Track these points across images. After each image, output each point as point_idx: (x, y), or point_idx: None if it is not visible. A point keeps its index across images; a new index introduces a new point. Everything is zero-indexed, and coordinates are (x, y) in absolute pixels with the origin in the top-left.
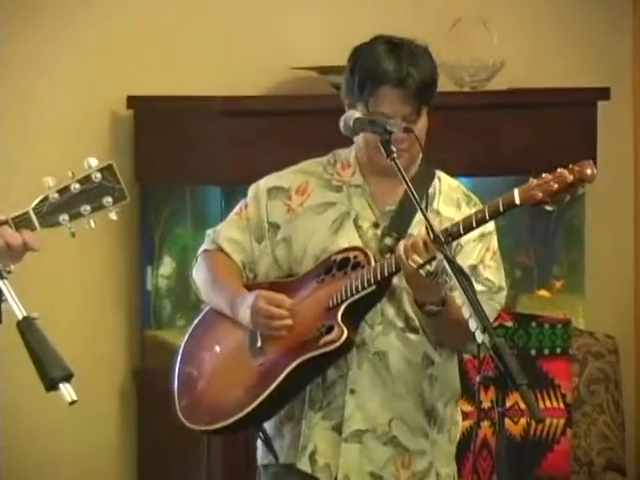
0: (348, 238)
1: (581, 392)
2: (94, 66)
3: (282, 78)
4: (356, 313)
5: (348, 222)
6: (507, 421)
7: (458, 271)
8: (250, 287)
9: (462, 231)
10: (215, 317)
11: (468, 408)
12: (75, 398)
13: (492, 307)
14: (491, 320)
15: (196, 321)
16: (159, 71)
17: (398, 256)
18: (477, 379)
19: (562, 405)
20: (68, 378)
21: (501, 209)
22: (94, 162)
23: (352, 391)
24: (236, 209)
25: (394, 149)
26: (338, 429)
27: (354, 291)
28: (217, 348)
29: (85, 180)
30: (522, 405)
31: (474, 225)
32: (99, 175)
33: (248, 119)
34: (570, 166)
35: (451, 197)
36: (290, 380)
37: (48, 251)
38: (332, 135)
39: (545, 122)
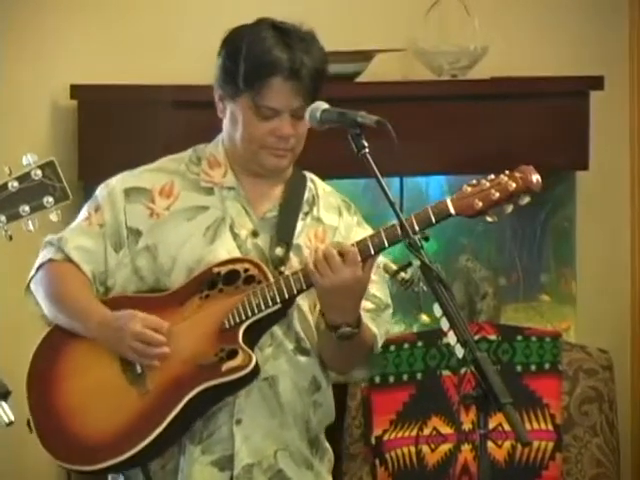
0: (226, 247)
1: (572, 412)
2: (34, 51)
3: None
4: (254, 334)
5: (224, 229)
6: (490, 444)
7: (436, 279)
8: (107, 303)
9: (373, 250)
10: (66, 337)
11: (447, 430)
12: (12, 419)
13: (383, 327)
14: (380, 342)
15: (40, 343)
16: (105, 57)
17: (310, 271)
18: (457, 398)
19: (551, 427)
20: (5, 396)
21: (433, 220)
22: (33, 158)
23: (238, 421)
24: (83, 214)
25: (365, 144)
26: (221, 464)
27: (255, 310)
28: (79, 374)
29: (24, 178)
30: (507, 427)
31: (400, 238)
32: (39, 172)
33: (202, 110)
34: (508, 172)
35: (330, 203)
36: (186, 412)
37: None
38: None
39: (532, 114)
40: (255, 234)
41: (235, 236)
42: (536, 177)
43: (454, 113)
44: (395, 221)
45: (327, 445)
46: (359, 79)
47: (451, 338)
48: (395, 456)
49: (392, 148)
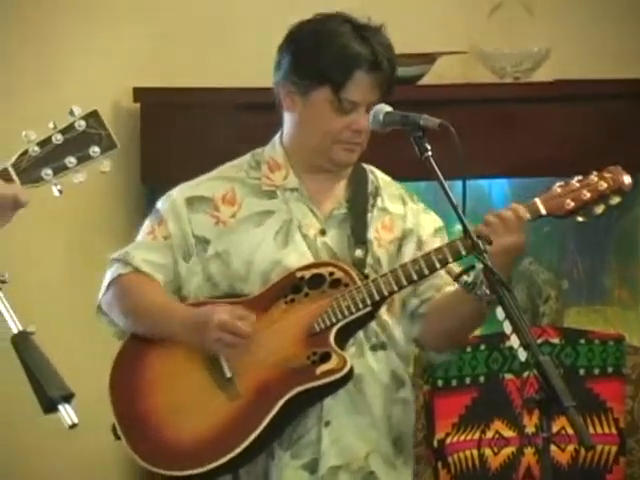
0: (298, 249)
1: (635, 416)
2: (97, 54)
3: None
4: (343, 337)
5: (293, 231)
6: (553, 448)
7: (499, 282)
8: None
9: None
10: (145, 347)
11: (510, 433)
12: (76, 421)
13: None
14: None
15: (118, 355)
16: (167, 60)
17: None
18: (520, 401)
19: (614, 430)
20: (68, 399)
21: (529, 218)
22: (77, 110)
23: (327, 423)
24: (146, 229)
25: (428, 147)
26: (310, 467)
27: (345, 313)
28: (165, 381)
29: (68, 130)
30: (570, 430)
31: (543, 214)
32: (83, 123)
33: (262, 112)
34: (596, 173)
35: (393, 193)
36: (280, 416)
37: (47, 264)
38: None
39: (595, 116)
40: (323, 232)
41: (304, 237)
42: (627, 177)
43: (517, 116)
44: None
45: (411, 450)
46: (422, 82)
47: (514, 341)
48: (457, 459)
49: (455, 151)
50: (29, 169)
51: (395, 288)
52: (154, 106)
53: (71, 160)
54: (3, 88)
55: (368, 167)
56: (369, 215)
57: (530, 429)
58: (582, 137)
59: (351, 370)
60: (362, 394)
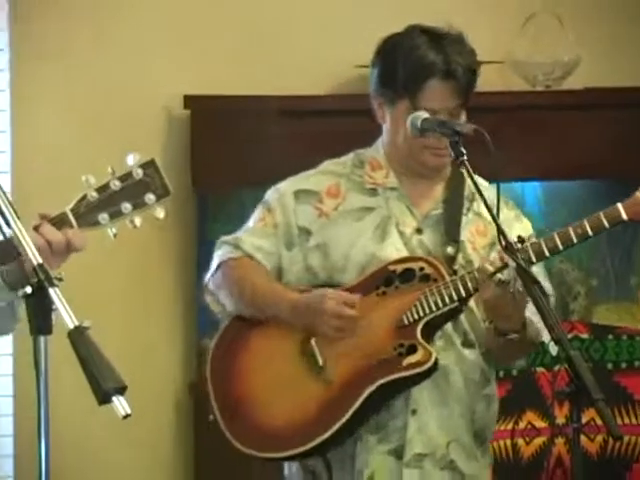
0: (395, 245)
1: None
2: (149, 63)
3: (345, 76)
4: (430, 331)
5: (391, 228)
6: (583, 438)
7: (531, 280)
8: None
9: (561, 247)
10: (245, 330)
11: (542, 424)
12: (129, 412)
13: None
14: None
15: (219, 337)
16: (217, 68)
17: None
18: (551, 393)
19: None
20: (122, 391)
21: (606, 225)
22: (135, 158)
23: (414, 411)
24: (257, 215)
25: (464, 151)
26: (396, 453)
27: (433, 307)
28: (262, 366)
29: (126, 177)
30: (599, 421)
31: (574, 241)
32: (140, 171)
33: (309, 119)
34: None
35: (489, 198)
36: (366, 404)
37: (103, 260)
38: None
39: (623, 123)
40: (419, 231)
41: (401, 234)
42: None
43: (549, 122)
44: (556, 231)
45: (490, 438)
46: None
47: (545, 336)
48: (492, 449)
49: (489, 155)
50: (87, 213)
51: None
52: (204, 113)
53: (127, 206)
54: (62, 96)
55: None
56: (464, 218)
57: (561, 420)
58: (611, 142)
59: (435, 363)
60: (449, 386)
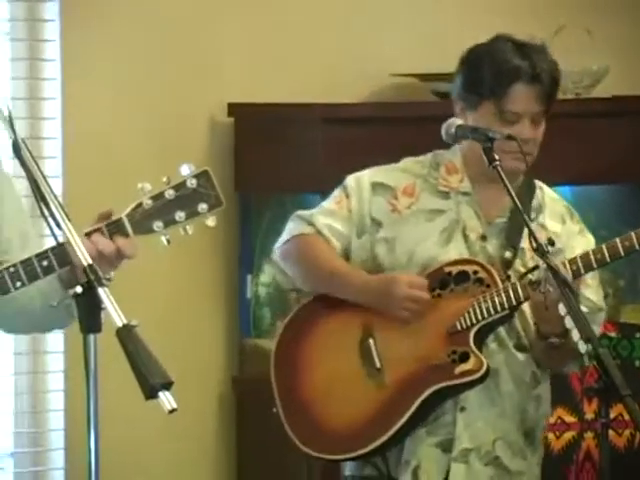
0: (458, 249)
1: None
2: (194, 71)
3: (382, 85)
4: (482, 336)
5: (457, 232)
6: (611, 432)
7: (562, 281)
8: None
9: (609, 259)
10: (308, 326)
11: (571, 419)
12: (175, 406)
13: (595, 329)
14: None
15: (286, 324)
16: (259, 78)
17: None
18: (580, 390)
19: None
20: (168, 386)
21: (638, 247)
22: (189, 168)
23: (462, 408)
24: (334, 198)
25: (497, 157)
26: (443, 446)
27: (485, 314)
28: (322, 365)
29: (180, 186)
30: (626, 416)
31: (608, 260)
32: (194, 181)
33: (348, 126)
34: None
35: (555, 210)
36: (421, 409)
37: (149, 260)
38: (432, 142)
39: None
40: (484, 238)
41: (466, 238)
42: None
43: (578, 129)
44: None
45: (541, 441)
46: None
47: (575, 335)
48: None
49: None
50: (142, 221)
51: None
52: (247, 120)
53: (180, 215)
54: (111, 103)
55: (538, 183)
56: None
57: (589, 415)
58: (638, 148)
59: (487, 372)
60: (497, 388)
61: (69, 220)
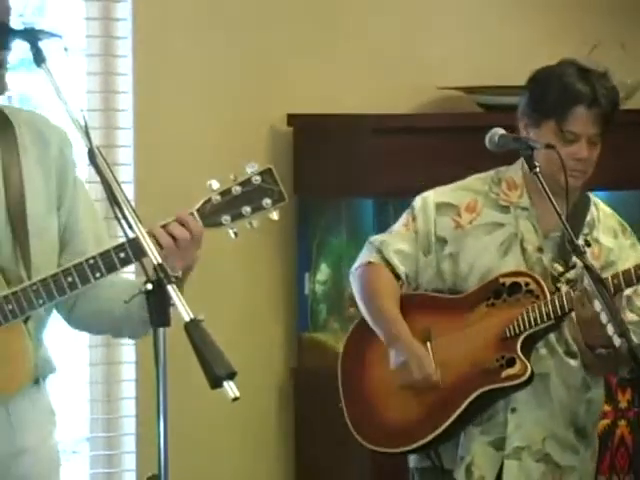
0: (515, 261)
1: None
2: (258, 85)
3: (429, 97)
4: (530, 343)
5: (515, 244)
6: None
7: (597, 280)
8: (412, 297)
9: (624, 285)
10: (369, 333)
11: (606, 408)
12: (238, 395)
13: None
14: None
15: (351, 332)
16: (317, 91)
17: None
18: (615, 380)
19: None
20: (232, 376)
21: None
22: (254, 166)
23: (513, 409)
24: (402, 221)
25: (537, 164)
26: (495, 444)
27: (532, 323)
28: (383, 365)
29: (246, 183)
30: None
31: None
32: (259, 178)
33: (398, 135)
34: None
35: (608, 225)
36: (469, 408)
37: (216, 261)
38: (475, 151)
39: None
40: (540, 250)
41: (523, 251)
42: None
43: (612, 138)
44: None
45: (595, 435)
46: None
47: (609, 329)
48: None
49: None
50: (211, 215)
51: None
52: (304, 129)
53: (246, 209)
54: (182, 113)
55: (593, 199)
56: (580, 242)
57: (623, 404)
58: None
59: (530, 377)
60: (547, 391)
61: (140, 222)
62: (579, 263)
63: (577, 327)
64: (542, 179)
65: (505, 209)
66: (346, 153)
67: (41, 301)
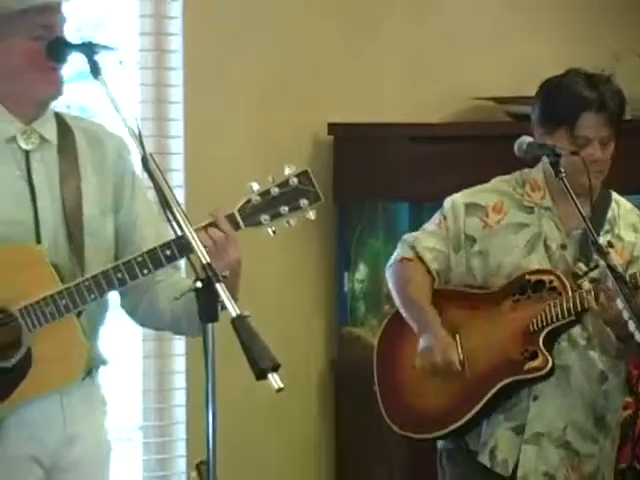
0: (539, 259)
1: None
2: (301, 95)
3: (463, 107)
4: (552, 337)
5: (539, 243)
6: None
7: (619, 278)
8: (444, 292)
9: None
10: (401, 327)
11: (627, 399)
12: (282, 385)
13: None
14: None
15: (385, 325)
16: (356, 101)
17: (600, 305)
18: (636, 373)
19: None
20: (276, 368)
21: None
22: (292, 168)
23: (535, 397)
24: (434, 220)
25: (562, 169)
26: (517, 430)
27: (554, 319)
28: (412, 356)
29: (284, 184)
30: None
31: None
32: (296, 180)
33: (432, 144)
34: None
35: (629, 221)
36: (494, 398)
37: (260, 260)
38: (506, 158)
39: None
40: (564, 247)
41: (547, 248)
42: None
43: (631, 147)
44: None
45: (614, 425)
46: None
47: (631, 325)
48: None
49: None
50: (251, 214)
51: (594, 304)
52: (344, 137)
53: (284, 209)
54: (230, 121)
55: (615, 196)
56: (601, 238)
57: None
58: None
59: (552, 369)
60: (568, 382)
61: (190, 224)
62: (602, 262)
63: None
64: (567, 183)
65: (529, 209)
66: (384, 160)
67: (93, 296)
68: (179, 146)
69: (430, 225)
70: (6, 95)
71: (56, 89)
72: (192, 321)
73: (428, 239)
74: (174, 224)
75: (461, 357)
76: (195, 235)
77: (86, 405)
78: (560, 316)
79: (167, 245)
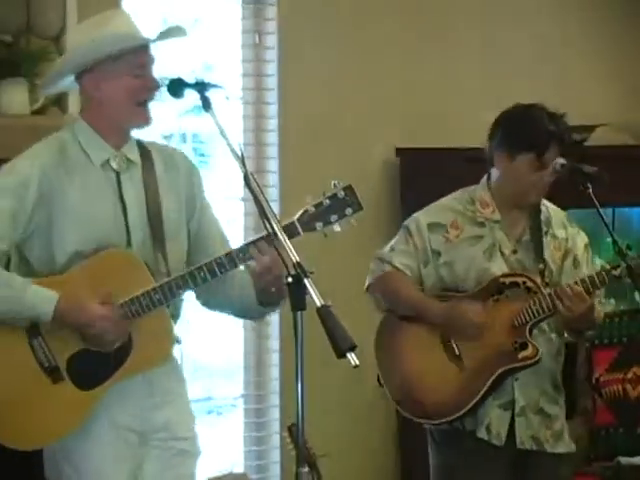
0: (498, 263)
1: None
2: (372, 121)
3: None
4: (531, 329)
5: (495, 251)
6: None
7: (638, 276)
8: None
9: (599, 285)
10: (400, 326)
11: None
12: (358, 363)
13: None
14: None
15: (380, 329)
16: (420, 128)
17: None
18: None
19: None
20: (353, 348)
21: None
22: (340, 183)
23: (517, 379)
24: (401, 239)
25: (589, 185)
26: (504, 406)
27: (536, 315)
28: (416, 349)
29: (333, 197)
30: None
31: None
32: (342, 193)
33: (481, 165)
34: None
35: (559, 219)
36: (492, 385)
37: (335, 262)
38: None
39: None
40: (515, 252)
41: (502, 254)
42: None
43: None
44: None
45: (561, 386)
46: (586, 143)
47: None
48: (608, 391)
49: (604, 190)
50: (308, 222)
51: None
52: (409, 160)
53: (334, 217)
54: (306, 138)
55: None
56: (544, 240)
57: None
58: None
59: (540, 358)
60: (540, 362)
61: (284, 233)
62: (622, 263)
63: (562, 319)
64: (594, 198)
65: (481, 224)
66: (443, 180)
67: (181, 291)
68: (274, 166)
69: (399, 245)
70: (103, 125)
71: (147, 120)
72: (253, 311)
73: (399, 256)
74: (269, 229)
75: (457, 352)
76: (289, 243)
77: (169, 384)
78: (541, 312)
79: (242, 249)
